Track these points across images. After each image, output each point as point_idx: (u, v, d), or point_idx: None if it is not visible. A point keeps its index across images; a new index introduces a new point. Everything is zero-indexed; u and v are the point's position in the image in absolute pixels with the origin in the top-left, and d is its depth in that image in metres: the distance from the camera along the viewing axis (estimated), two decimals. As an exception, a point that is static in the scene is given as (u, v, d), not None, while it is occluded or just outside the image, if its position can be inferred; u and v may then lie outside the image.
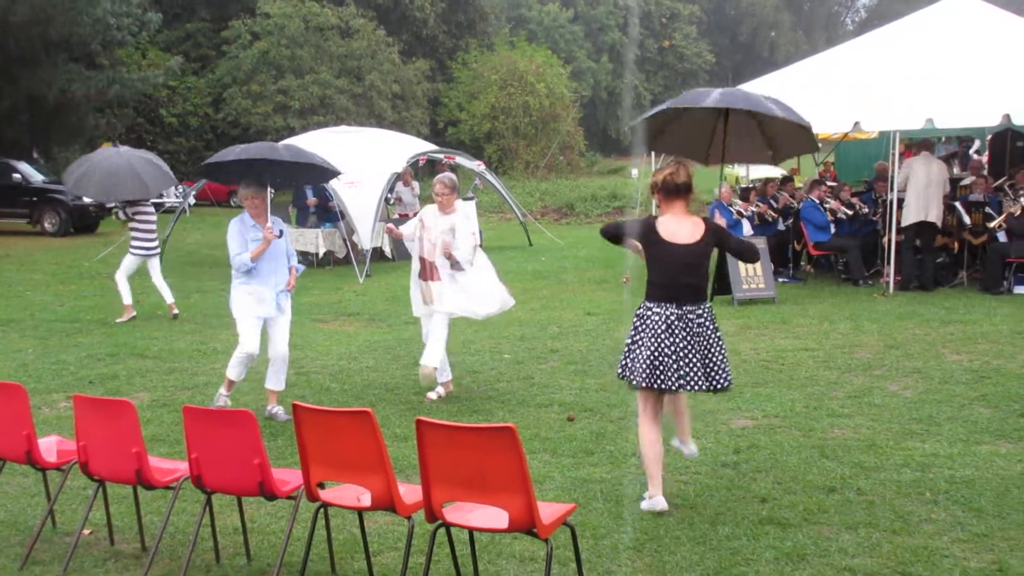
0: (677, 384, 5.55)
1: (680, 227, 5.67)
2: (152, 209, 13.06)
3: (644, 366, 5.57)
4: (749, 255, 6.06)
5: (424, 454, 4.21)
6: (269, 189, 8.02)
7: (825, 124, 14.79)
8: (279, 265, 7.95)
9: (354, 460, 4.44)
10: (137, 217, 12.77)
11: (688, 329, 5.60)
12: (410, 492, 4.53)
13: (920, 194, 13.19)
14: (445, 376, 8.57)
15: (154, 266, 12.96)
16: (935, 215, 13.30)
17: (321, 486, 4.70)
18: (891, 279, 13.28)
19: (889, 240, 13.33)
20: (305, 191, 19.03)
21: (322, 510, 4.79)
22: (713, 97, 6.56)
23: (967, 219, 13.61)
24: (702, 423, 7.49)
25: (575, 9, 69.11)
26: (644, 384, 5.59)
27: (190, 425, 4.81)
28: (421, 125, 42.34)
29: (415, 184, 21.36)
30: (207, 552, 5.27)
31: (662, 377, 5.55)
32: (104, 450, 5.05)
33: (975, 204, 13.73)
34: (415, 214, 20.52)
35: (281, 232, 7.86)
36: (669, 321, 5.60)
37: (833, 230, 14.50)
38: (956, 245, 13.98)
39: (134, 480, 5.00)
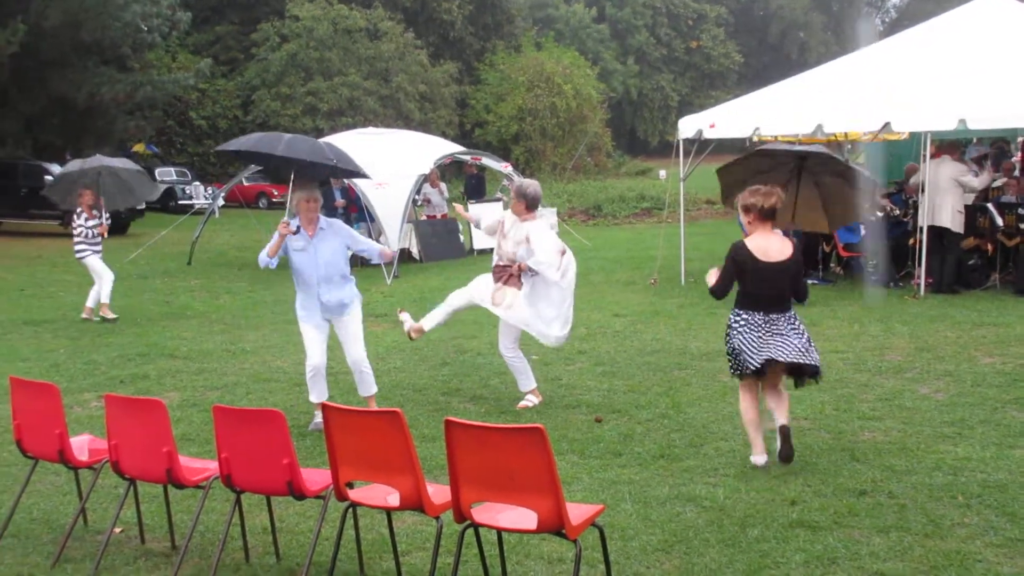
0: (774, 356, 6.31)
1: (770, 245, 6.40)
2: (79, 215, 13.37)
3: (751, 356, 6.34)
4: (803, 296, 6.72)
5: (453, 454, 4.21)
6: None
7: (855, 125, 14.72)
8: (329, 273, 7.51)
9: (383, 460, 4.45)
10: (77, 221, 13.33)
11: (771, 332, 6.41)
12: (438, 492, 4.53)
13: (928, 197, 13.07)
14: (531, 384, 8.28)
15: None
16: (943, 219, 13.12)
17: (350, 486, 4.71)
18: (922, 281, 13.15)
19: (919, 242, 13.21)
20: (333, 193, 19.11)
21: (351, 510, 4.80)
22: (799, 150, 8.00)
23: (1000, 221, 13.45)
24: (730, 425, 7.45)
25: (599, 7, 68.94)
26: (755, 367, 6.32)
27: (220, 425, 4.83)
28: (448, 126, 42.47)
29: (442, 185, 21.40)
30: (236, 551, 5.30)
31: (762, 354, 6.33)
32: (135, 449, 5.09)
33: (1008, 206, 13.57)
34: (444, 216, 20.73)
35: (298, 228, 7.41)
36: (757, 324, 6.40)
37: (863, 231, 14.37)
38: (990, 247, 13.82)
39: (165, 479, 5.03)
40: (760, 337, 6.38)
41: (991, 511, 5.57)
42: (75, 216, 13.43)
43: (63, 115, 28.22)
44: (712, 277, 6.59)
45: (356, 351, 7.73)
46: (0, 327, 12.60)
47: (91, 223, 13.29)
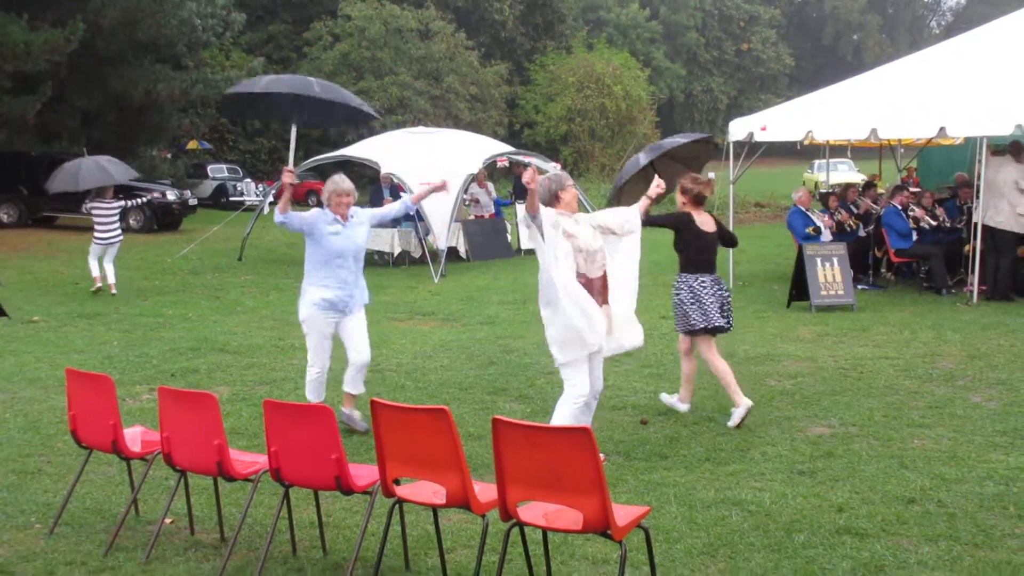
0: (725, 322, 7.75)
1: (704, 220, 7.79)
2: (106, 204, 14.96)
3: (715, 314, 7.62)
4: (735, 242, 8.33)
5: (500, 453, 4.23)
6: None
7: (909, 129, 14.55)
8: (355, 267, 7.47)
9: (430, 457, 4.48)
10: (93, 211, 14.92)
11: (719, 289, 7.72)
12: (484, 490, 4.55)
13: (985, 197, 12.88)
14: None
15: (110, 253, 15.04)
16: (999, 220, 12.92)
17: (397, 482, 4.75)
18: (975, 288, 12.96)
19: (973, 248, 13.02)
20: (382, 191, 19.23)
21: (397, 506, 4.84)
22: (640, 159, 9.07)
23: (1056, 228, 13.21)
24: (777, 429, 7.41)
25: (651, 8, 68.53)
26: (717, 325, 7.66)
27: (270, 419, 4.89)
28: (498, 126, 42.56)
29: (489, 185, 21.43)
30: (284, 544, 5.37)
31: (720, 318, 7.67)
32: (187, 441, 5.17)
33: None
34: (491, 216, 20.76)
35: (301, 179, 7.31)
36: (704, 287, 7.66)
37: (915, 237, 14.20)
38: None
39: (215, 471, 5.10)
40: (708, 301, 7.62)
41: (1043, 522, 5.49)
42: (108, 202, 15.01)
43: (119, 112, 28.65)
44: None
45: (366, 348, 7.58)
46: (56, 319, 12.83)
47: None
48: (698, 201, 7.78)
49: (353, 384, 7.65)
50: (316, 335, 7.49)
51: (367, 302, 7.76)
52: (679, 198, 7.84)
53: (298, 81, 8.59)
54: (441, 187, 7.84)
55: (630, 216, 6.88)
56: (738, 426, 7.48)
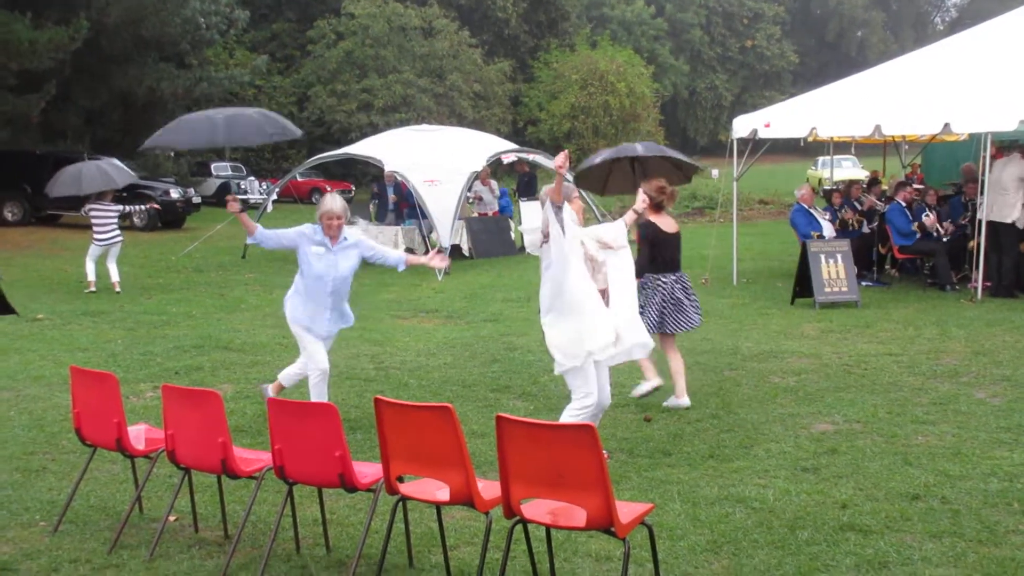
0: (683, 327, 8.10)
1: (664, 222, 8.09)
2: (105, 206, 15.23)
3: (661, 320, 8.00)
4: None
5: (503, 450, 4.23)
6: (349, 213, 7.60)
7: (914, 125, 14.51)
8: (342, 286, 7.36)
9: (434, 455, 4.48)
10: (92, 214, 15.16)
11: (685, 287, 8.12)
12: (488, 488, 4.55)
13: (990, 195, 12.87)
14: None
15: (112, 253, 15.27)
16: (1003, 215, 12.91)
17: (400, 480, 4.75)
18: (979, 284, 12.94)
19: (977, 245, 12.99)
20: (385, 188, 19.24)
21: (401, 503, 4.84)
22: (595, 158, 9.95)
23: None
24: (781, 427, 7.40)
25: (656, 6, 68.47)
26: (681, 329, 8.10)
27: (274, 417, 4.89)
28: (501, 124, 42.56)
29: (493, 183, 21.42)
30: (288, 542, 5.37)
31: (681, 320, 8.05)
32: (190, 439, 5.17)
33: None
34: (495, 213, 20.74)
35: (243, 208, 7.36)
36: (670, 285, 8.03)
37: (919, 234, 14.16)
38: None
39: (219, 469, 5.11)
40: (656, 304, 7.98)
41: (1048, 519, 5.48)
42: (107, 205, 15.27)
43: (123, 110, 28.69)
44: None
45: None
46: (60, 317, 12.85)
47: None
48: (658, 208, 8.05)
49: (288, 379, 7.83)
50: (301, 334, 7.51)
51: (349, 325, 7.73)
52: (645, 203, 7.94)
53: (202, 127, 8.64)
54: (438, 260, 7.54)
55: (620, 232, 6.88)
56: (643, 396, 8.07)
